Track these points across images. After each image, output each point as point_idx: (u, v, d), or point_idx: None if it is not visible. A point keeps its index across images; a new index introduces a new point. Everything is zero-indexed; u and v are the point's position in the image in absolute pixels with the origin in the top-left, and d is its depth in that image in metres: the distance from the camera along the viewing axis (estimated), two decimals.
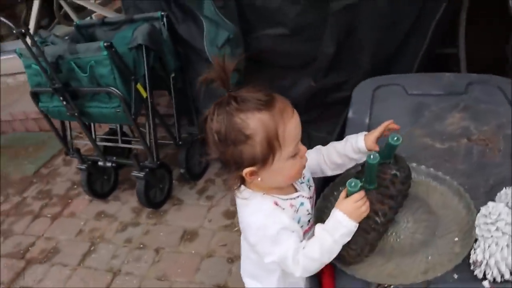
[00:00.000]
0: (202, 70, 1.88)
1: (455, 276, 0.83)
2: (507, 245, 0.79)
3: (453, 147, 1.16)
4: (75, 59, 1.82)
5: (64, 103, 1.89)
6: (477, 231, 0.85)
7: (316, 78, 1.97)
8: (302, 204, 0.95)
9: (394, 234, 0.96)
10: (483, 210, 0.86)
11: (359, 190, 0.85)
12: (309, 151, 1.08)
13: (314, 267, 0.88)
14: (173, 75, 2.05)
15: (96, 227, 2.26)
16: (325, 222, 0.87)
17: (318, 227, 0.87)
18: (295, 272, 0.86)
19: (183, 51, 2.05)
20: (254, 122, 0.79)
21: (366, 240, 0.88)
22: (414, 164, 1.08)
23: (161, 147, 2.33)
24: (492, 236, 0.81)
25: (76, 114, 1.92)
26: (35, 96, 2.05)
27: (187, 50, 2.04)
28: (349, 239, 0.86)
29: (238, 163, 0.83)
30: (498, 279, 0.79)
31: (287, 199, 0.92)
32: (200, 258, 1.91)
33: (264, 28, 1.90)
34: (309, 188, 1.00)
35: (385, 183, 0.94)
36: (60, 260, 2.11)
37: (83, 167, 2.26)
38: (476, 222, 0.86)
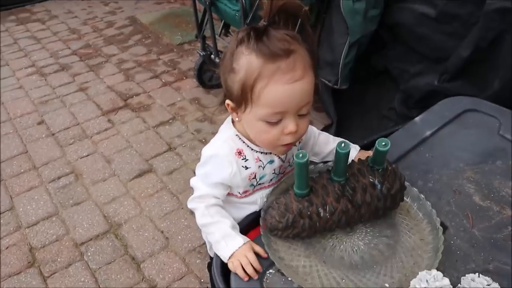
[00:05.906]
0: (337, 18, 1.84)
1: None
2: None
3: (490, 208, 0.95)
4: None
5: None
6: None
7: (440, 79, 1.73)
8: (271, 162, 0.90)
9: (347, 242, 0.87)
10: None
11: (306, 162, 0.76)
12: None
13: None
14: (307, 8, 1.99)
15: (184, 107, 2.50)
16: (225, 229, 0.84)
17: (227, 220, 0.86)
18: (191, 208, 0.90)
19: None
20: (243, 61, 0.74)
21: (295, 222, 0.82)
22: (422, 196, 0.93)
23: None
24: None
25: (208, 2, 2.05)
26: None
27: None
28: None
29: (225, 90, 0.81)
30: None
31: (257, 151, 0.88)
32: None
33: (411, 1, 1.70)
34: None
35: (356, 186, 0.84)
36: (144, 116, 2.43)
37: (201, 53, 2.45)
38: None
